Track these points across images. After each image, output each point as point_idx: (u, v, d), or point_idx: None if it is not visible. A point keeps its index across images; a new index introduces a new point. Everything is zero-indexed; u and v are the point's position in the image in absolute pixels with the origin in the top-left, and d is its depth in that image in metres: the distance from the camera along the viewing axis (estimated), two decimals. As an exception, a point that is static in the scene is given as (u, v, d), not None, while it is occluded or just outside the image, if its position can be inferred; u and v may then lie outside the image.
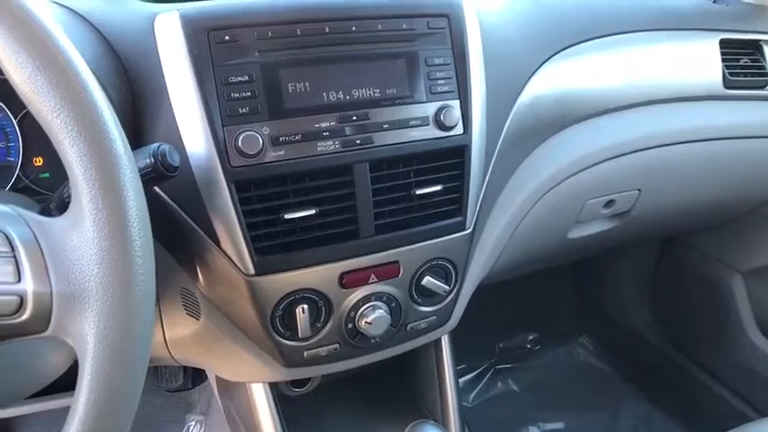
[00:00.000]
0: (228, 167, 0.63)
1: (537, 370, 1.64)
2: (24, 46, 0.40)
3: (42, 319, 0.41)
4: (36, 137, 0.80)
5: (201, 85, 0.62)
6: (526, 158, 0.91)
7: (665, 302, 1.56)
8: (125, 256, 0.41)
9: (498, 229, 0.88)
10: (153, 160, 0.53)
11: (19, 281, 0.40)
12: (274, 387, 0.84)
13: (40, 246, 0.41)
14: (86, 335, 0.40)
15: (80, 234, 0.40)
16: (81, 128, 0.40)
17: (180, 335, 0.77)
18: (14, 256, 0.40)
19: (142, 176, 0.52)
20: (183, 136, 0.63)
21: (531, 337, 1.70)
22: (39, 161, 0.81)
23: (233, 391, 0.92)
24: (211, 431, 1.24)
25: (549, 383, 1.61)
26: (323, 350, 0.75)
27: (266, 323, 0.70)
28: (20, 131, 0.79)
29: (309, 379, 0.92)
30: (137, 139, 0.67)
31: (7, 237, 0.40)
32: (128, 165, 0.42)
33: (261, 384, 0.83)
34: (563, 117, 0.93)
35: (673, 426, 1.47)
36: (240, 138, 0.63)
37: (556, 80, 0.90)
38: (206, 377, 1.37)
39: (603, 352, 1.69)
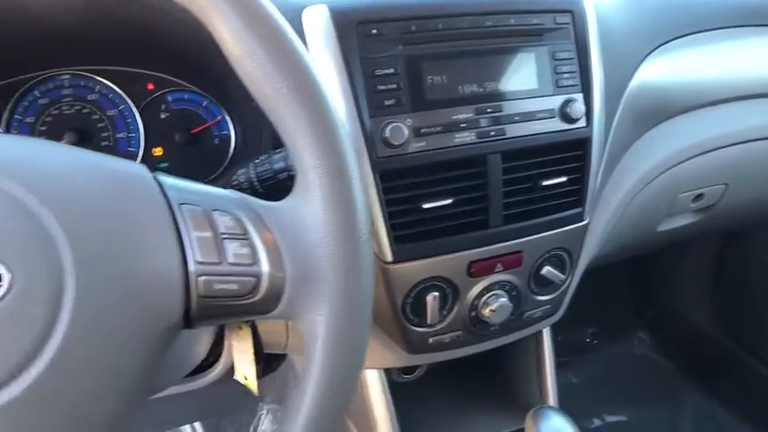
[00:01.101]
0: (375, 158, 0.65)
1: (596, 364, 1.65)
2: (249, 26, 0.41)
3: (272, 300, 0.42)
4: (157, 127, 0.82)
5: (350, 78, 0.64)
6: (625, 153, 0.92)
7: (728, 297, 1.57)
8: (355, 239, 0.42)
9: (602, 222, 0.90)
10: None
11: (254, 263, 0.42)
12: (388, 373, 0.86)
13: (270, 229, 0.42)
14: (318, 316, 0.42)
15: (310, 217, 0.42)
16: (310, 113, 0.42)
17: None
18: (248, 239, 0.42)
19: None
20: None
21: (589, 331, 1.71)
22: (158, 151, 0.83)
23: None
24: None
25: (608, 377, 1.62)
26: (446, 337, 0.77)
27: (397, 309, 0.72)
28: (141, 122, 0.81)
29: (418, 366, 0.94)
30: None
31: (240, 220, 0.42)
32: (352, 148, 0.43)
33: (375, 371, 0.85)
34: (661, 112, 0.94)
35: (737, 422, 1.48)
36: (387, 129, 0.65)
37: (655, 74, 0.91)
38: (276, 366, 1.38)
39: (662, 347, 1.70)
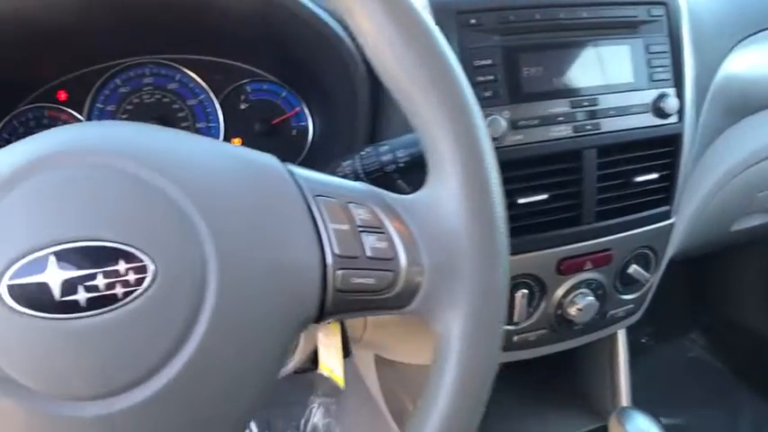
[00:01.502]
0: (471, 151, 0.64)
1: (650, 365, 1.62)
2: (390, 15, 0.40)
3: (408, 295, 0.41)
4: (236, 117, 0.81)
5: None
6: (708, 149, 0.90)
7: (788, 300, 1.53)
8: (495, 233, 0.41)
9: (684, 220, 0.88)
10: None
11: (393, 257, 0.40)
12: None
13: (406, 222, 0.41)
14: (456, 313, 0.41)
15: (448, 210, 0.41)
16: (449, 104, 0.41)
17: (377, 320, 0.78)
18: (385, 233, 0.40)
19: (406, 163, 0.53)
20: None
21: (644, 332, 1.68)
22: (237, 142, 0.82)
23: (405, 375, 0.93)
24: (346, 413, 1.25)
25: (663, 379, 1.59)
26: (531, 335, 0.75)
27: (485, 306, 0.71)
28: (221, 112, 0.81)
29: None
30: (376, 123, 0.68)
31: (375, 213, 0.41)
32: (490, 140, 0.42)
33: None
34: (745, 106, 0.92)
35: (798, 427, 1.44)
36: (485, 121, 0.63)
37: (741, 67, 0.89)
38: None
39: (717, 349, 1.66)
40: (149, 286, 0.35)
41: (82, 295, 0.34)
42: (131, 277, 0.35)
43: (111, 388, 0.35)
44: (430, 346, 0.79)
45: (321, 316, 0.41)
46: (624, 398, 0.92)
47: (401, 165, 0.54)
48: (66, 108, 0.79)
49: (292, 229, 0.39)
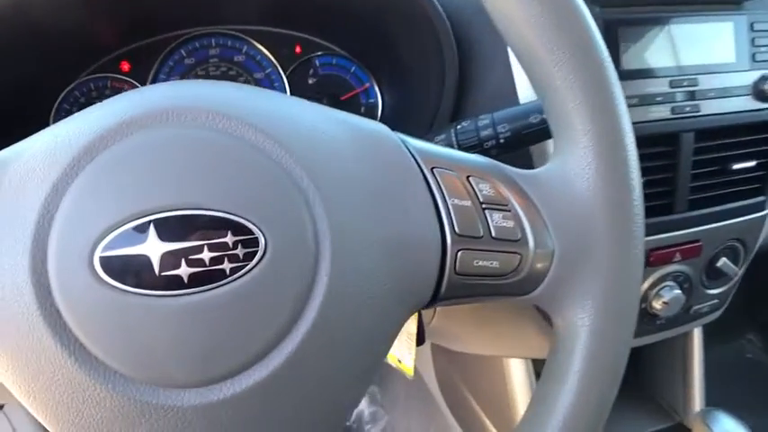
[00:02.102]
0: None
1: (706, 365, 1.56)
2: None
3: (533, 281, 0.37)
4: (304, 92, 0.78)
5: None
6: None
7: None
8: (632, 213, 0.37)
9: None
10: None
11: (520, 238, 0.36)
12: (538, 363, 0.81)
13: (531, 199, 0.37)
14: (586, 301, 0.37)
15: (581, 187, 0.37)
16: (588, 77, 0.36)
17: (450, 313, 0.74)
18: (511, 210, 0.37)
19: (527, 134, 0.49)
20: (520, 97, 0.60)
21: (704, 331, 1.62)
22: (304, 118, 0.78)
23: (463, 365, 0.89)
24: (395, 402, 1.22)
25: (719, 379, 1.54)
26: (613, 329, 0.71)
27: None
28: (288, 86, 0.77)
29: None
30: (459, 99, 0.64)
31: (499, 189, 0.37)
32: (629, 115, 0.38)
33: (520, 361, 0.80)
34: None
35: None
36: None
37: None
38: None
39: (775, 349, 1.60)
40: (258, 262, 0.31)
41: (185, 270, 0.30)
42: (240, 251, 0.31)
43: (212, 374, 0.31)
44: (500, 337, 0.76)
45: (433, 300, 0.37)
46: (698, 398, 0.87)
47: (501, 141, 0.50)
48: (129, 79, 0.76)
49: (409, 204, 0.35)
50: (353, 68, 0.79)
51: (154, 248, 0.30)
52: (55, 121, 0.75)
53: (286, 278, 0.32)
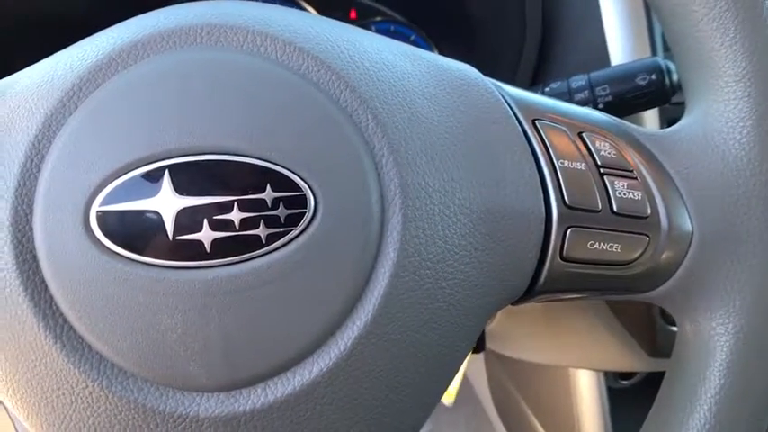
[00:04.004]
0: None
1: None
2: None
3: (662, 272, 0.29)
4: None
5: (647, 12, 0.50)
6: None
7: None
8: None
9: None
10: (657, 77, 0.41)
11: (650, 215, 0.28)
12: (607, 376, 0.72)
13: (664, 167, 0.28)
14: (734, 303, 0.28)
15: (725, 153, 0.28)
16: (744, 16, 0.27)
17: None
18: (638, 179, 0.28)
19: (634, 97, 0.40)
20: (613, 61, 0.51)
21: None
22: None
23: (517, 371, 0.80)
24: (439, 407, 1.14)
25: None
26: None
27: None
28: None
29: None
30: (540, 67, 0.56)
31: (622, 151, 0.28)
32: None
33: (589, 372, 0.71)
34: None
35: None
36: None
37: None
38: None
39: None
40: (305, 229, 0.23)
41: (206, 234, 0.23)
42: (281, 213, 0.23)
43: (238, 377, 0.23)
44: (569, 345, 0.67)
45: (529, 293, 0.28)
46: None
47: (600, 106, 0.41)
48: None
49: (504, 165, 0.27)
50: (413, 36, 0.71)
51: (167, 204, 0.23)
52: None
53: (340, 251, 0.24)
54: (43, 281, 0.23)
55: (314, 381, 0.23)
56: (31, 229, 0.23)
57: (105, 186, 0.23)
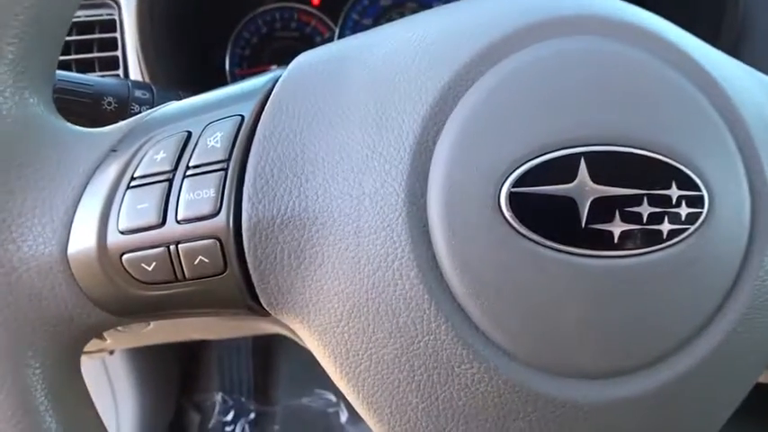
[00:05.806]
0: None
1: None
2: None
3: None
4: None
5: None
6: None
7: None
8: None
9: None
10: None
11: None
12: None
13: None
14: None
15: None
16: None
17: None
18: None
19: None
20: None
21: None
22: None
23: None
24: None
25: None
26: None
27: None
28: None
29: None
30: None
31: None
32: None
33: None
34: None
35: None
36: None
37: None
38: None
39: None
40: (700, 227, 0.23)
41: (617, 225, 0.23)
42: (683, 211, 0.23)
43: (625, 364, 0.24)
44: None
45: None
46: None
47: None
48: (318, 13, 0.69)
49: None
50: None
51: (583, 191, 0.23)
52: (232, 49, 0.68)
53: (722, 252, 0.24)
54: (433, 256, 0.23)
55: (691, 368, 0.24)
56: (425, 203, 0.23)
57: (517, 167, 0.23)
